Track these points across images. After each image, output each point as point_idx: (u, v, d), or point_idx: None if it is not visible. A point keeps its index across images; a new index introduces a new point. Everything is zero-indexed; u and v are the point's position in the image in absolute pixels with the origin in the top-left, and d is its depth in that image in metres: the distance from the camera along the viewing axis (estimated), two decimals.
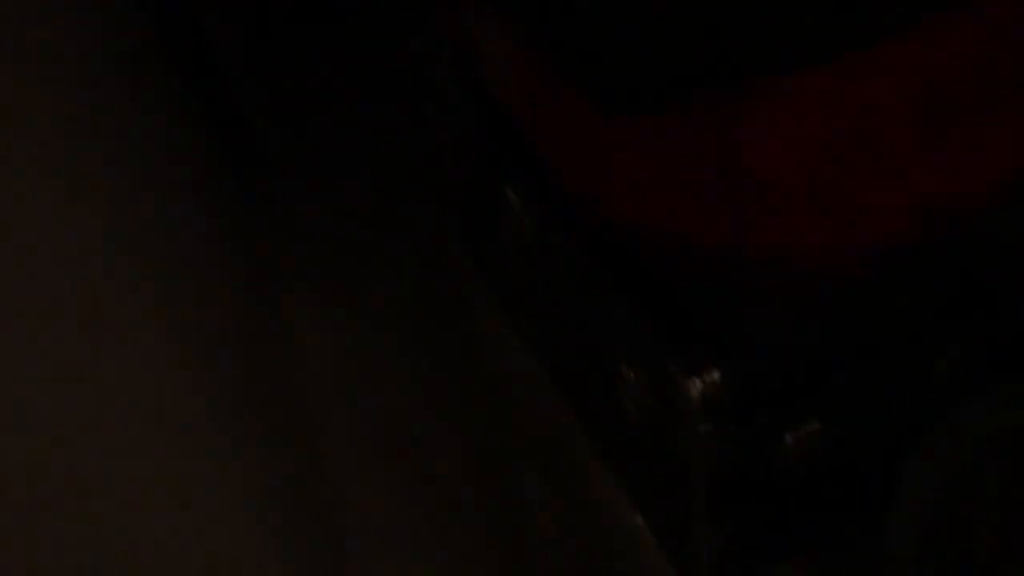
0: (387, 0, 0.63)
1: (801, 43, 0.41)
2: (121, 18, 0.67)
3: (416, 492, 0.70)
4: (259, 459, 0.64)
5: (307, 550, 0.62)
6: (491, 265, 0.77)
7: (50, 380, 0.56)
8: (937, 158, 0.44)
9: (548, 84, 0.46)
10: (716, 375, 0.47)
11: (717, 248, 0.48)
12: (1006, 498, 0.65)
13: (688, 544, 0.74)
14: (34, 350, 0.56)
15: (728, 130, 0.43)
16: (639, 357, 0.50)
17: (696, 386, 0.47)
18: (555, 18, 0.42)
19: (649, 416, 0.54)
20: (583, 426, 0.73)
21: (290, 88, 0.71)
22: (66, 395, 0.57)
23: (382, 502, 0.69)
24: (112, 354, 0.60)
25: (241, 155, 0.74)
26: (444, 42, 0.55)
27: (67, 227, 0.59)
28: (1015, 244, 0.52)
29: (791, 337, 0.52)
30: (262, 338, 0.70)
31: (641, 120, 0.44)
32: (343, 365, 0.72)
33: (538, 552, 0.76)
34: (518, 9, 0.44)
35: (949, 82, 0.42)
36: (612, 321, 0.52)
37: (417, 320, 0.75)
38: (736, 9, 0.38)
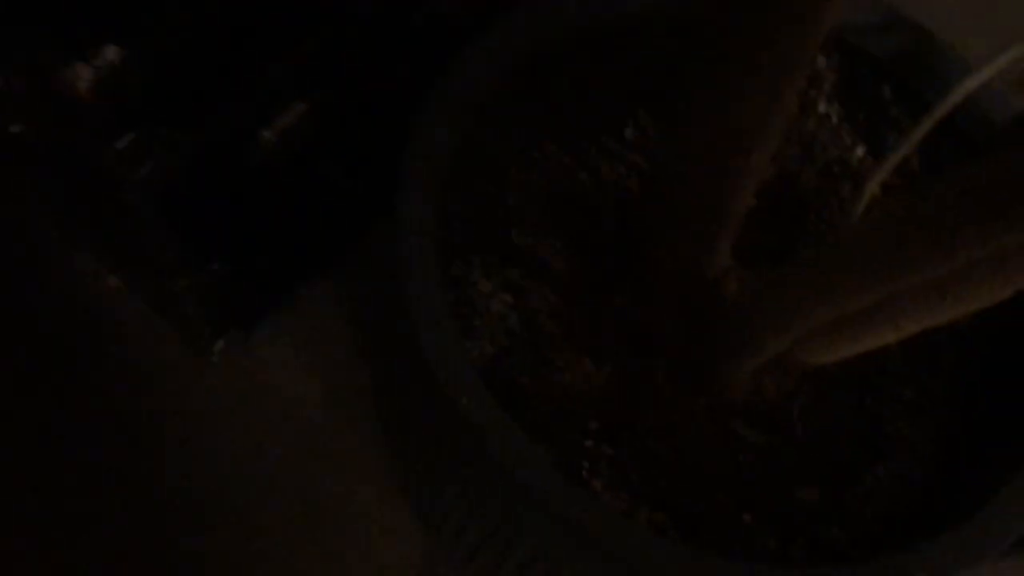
0: None
1: None
2: None
3: None
4: None
5: None
6: None
7: None
8: None
9: None
10: (114, 54, 0.35)
11: None
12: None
13: (169, 295, 0.63)
14: None
15: None
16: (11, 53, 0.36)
17: (84, 74, 0.34)
18: None
19: (47, 131, 0.41)
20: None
21: None
22: None
23: None
24: None
25: None
26: None
27: None
28: None
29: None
30: None
31: None
32: None
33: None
34: None
35: None
36: None
37: None
38: None
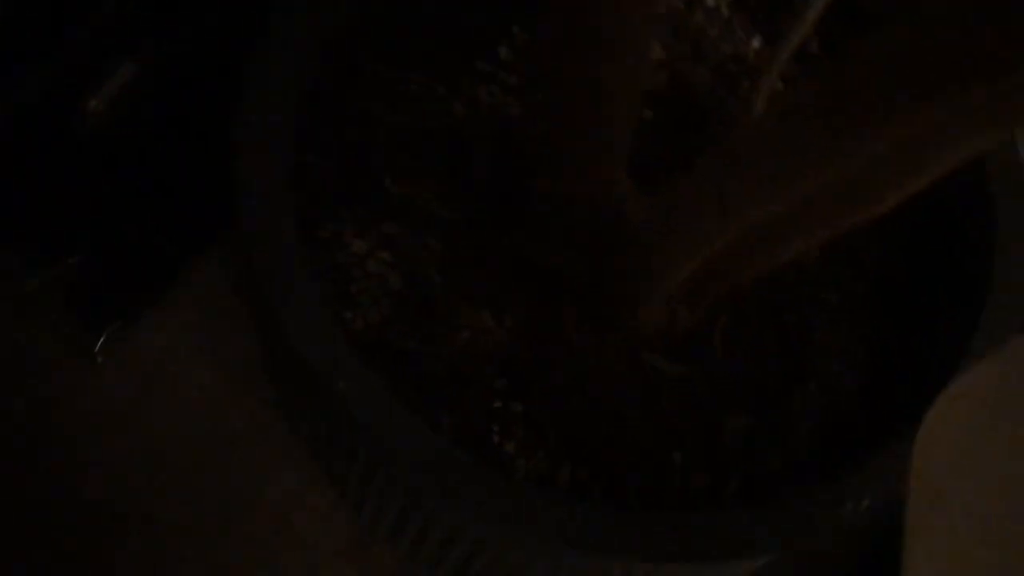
0: None
1: None
2: None
3: None
4: None
5: None
6: None
7: None
8: None
9: None
10: None
11: None
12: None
13: (26, 295, 0.63)
14: None
15: None
16: None
17: None
18: None
19: None
20: None
21: None
22: None
23: None
24: None
25: None
26: None
27: None
28: None
29: None
30: None
31: None
32: None
33: None
34: None
35: None
36: None
37: None
38: None
